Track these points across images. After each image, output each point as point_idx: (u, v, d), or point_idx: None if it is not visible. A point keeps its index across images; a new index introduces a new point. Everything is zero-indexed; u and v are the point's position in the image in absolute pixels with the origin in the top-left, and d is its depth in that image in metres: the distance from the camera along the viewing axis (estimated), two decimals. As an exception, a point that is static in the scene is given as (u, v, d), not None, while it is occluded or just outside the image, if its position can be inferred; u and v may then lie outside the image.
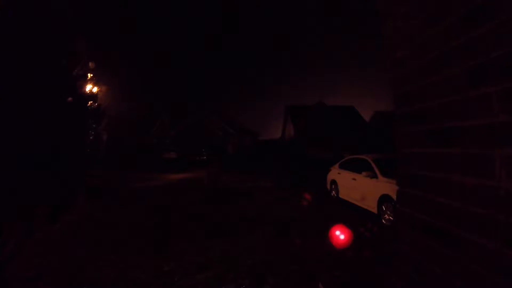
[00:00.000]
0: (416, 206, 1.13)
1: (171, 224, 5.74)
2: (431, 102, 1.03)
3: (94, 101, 8.44)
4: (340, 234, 4.16)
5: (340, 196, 7.74)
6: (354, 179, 6.92)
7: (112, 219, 6.24)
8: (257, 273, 3.43)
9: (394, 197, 2.22)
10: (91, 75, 8.06)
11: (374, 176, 6.05)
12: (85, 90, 7.72)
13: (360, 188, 6.57)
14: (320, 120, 26.88)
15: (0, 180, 4.06)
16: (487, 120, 0.80)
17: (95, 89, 8.45)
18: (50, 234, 4.94)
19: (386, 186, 5.51)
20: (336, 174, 8.16)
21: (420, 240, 1.10)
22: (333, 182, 8.25)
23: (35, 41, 4.84)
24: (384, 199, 5.52)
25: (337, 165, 8.33)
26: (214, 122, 31.66)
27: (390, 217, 5.28)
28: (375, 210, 5.79)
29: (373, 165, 6.26)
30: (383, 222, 5.43)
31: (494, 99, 0.77)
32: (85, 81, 7.68)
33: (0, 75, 4.19)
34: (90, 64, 7.96)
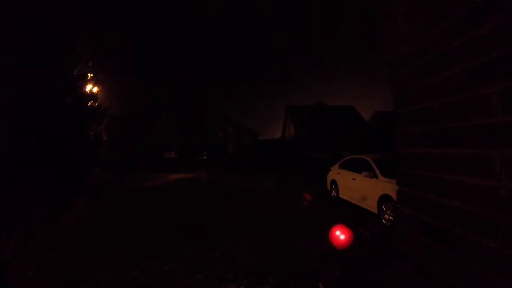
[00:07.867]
0: (416, 206, 1.13)
1: (171, 224, 5.75)
2: (431, 102, 1.03)
3: (94, 101, 8.42)
4: (340, 234, 4.16)
5: (340, 196, 7.74)
6: (354, 179, 6.92)
7: (112, 219, 6.25)
8: (257, 273, 3.43)
9: (394, 197, 2.22)
10: (91, 75, 8.04)
11: (374, 176, 6.05)
12: (85, 90, 7.70)
13: (360, 188, 6.57)
14: (320, 120, 26.88)
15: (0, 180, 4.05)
16: (487, 120, 0.80)
17: (95, 89, 8.44)
18: (50, 234, 4.94)
19: (386, 186, 5.51)
20: (336, 174, 8.16)
21: (420, 240, 1.10)
22: (333, 182, 8.25)
23: (36, 41, 4.83)
24: (384, 199, 5.52)
25: (337, 165, 8.33)
26: (214, 122, 31.66)
27: (390, 217, 5.28)
28: (375, 210, 5.79)
29: (373, 165, 6.26)
30: (383, 222, 5.43)
31: (494, 99, 0.77)
32: (85, 81, 7.67)
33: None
34: (90, 64, 7.94)
